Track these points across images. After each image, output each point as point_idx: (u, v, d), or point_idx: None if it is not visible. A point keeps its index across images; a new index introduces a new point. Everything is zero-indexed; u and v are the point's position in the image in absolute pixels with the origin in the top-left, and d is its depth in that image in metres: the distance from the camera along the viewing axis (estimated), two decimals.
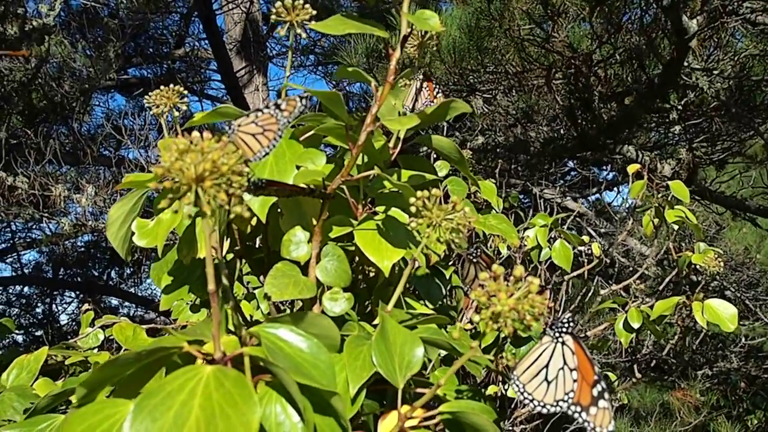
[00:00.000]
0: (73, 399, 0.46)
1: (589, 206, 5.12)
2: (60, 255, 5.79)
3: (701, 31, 2.24)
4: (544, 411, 0.52)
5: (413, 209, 0.55)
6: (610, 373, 1.72)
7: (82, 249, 5.96)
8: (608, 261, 3.00)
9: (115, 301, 6.18)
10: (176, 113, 0.72)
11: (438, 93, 0.95)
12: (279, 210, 0.74)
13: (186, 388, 0.38)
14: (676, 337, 1.49)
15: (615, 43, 2.52)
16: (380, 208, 0.75)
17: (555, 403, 0.52)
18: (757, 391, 4.94)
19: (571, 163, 4.76)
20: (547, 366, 0.52)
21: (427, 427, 0.52)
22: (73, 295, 6.24)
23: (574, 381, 0.52)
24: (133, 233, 0.85)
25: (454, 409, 0.51)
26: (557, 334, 0.53)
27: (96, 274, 6.14)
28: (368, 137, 0.66)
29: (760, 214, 2.81)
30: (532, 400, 0.52)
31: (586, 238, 1.56)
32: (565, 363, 0.52)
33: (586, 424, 0.52)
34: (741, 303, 4.52)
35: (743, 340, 5.17)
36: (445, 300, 1.32)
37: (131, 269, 6.11)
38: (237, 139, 0.56)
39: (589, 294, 1.63)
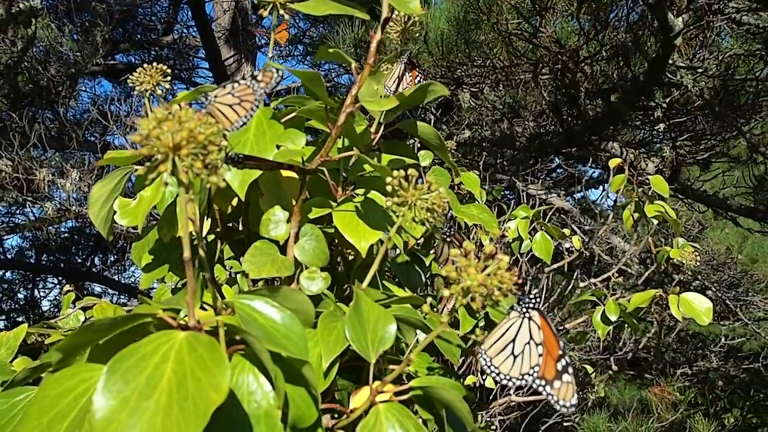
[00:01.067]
0: (47, 357, 0.47)
1: (574, 204, 5.15)
2: (43, 240, 5.75)
3: (687, 29, 2.26)
4: (510, 384, 0.53)
5: (389, 188, 0.56)
6: (588, 366, 1.74)
7: (66, 235, 5.93)
8: (590, 257, 3.03)
9: (98, 288, 6.14)
10: (159, 92, 0.72)
11: (420, 81, 0.96)
12: (260, 191, 0.75)
13: (159, 351, 0.39)
14: (653, 330, 1.51)
15: (602, 39, 2.54)
16: (360, 191, 0.76)
17: (520, 377, 0.53)
18: (734, 390, 5.00)
19: (557, 160, 4.78)
20: (513, 340, 0.53)
21: (400, 402, 0.53)
22: (55, 281, 6.21)
23: (540, 355, 0.53)
24: (114, 212, 0.85)
25: (424, 384, 0.52)
26: (525, 310, 0.54)
27: (79, 260, 6.11)
28: (348, 118, 0.66)
29: (742, 214, 2.84)
30: (498, 374, 0.53)
31: (567, 231, 1.58)
32: (531, 338, 0.54)
33: (550, 397, 0.53)
34: (722, 303, 4.57)
35: (723, 340, 5.22)
36: (426, 288, 1.33)
37: (115, 256, 6.09)
38: (214, 109, 0.57)
39: (569, 287, 1.65)
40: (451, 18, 2.74)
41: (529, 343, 0.53)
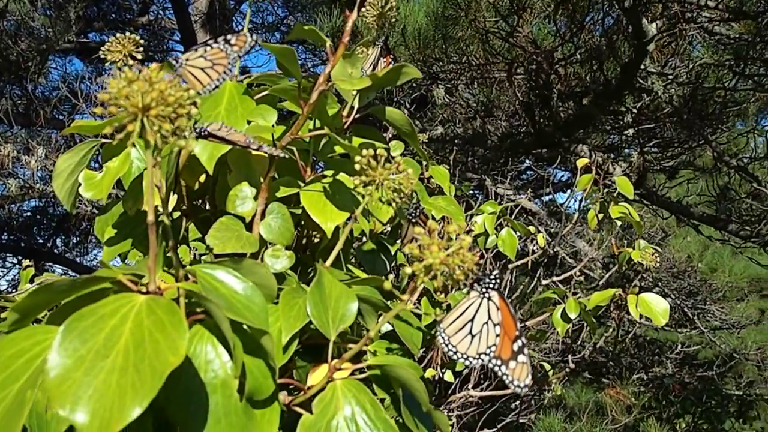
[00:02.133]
0: (3, 326, 0.46)
1: (542, 206, 5.20)
2: (4, 218, 5.64)
3: (660, 36, 2.29)
4: (467, 363, 0.54)
5: (357, 167, 0.56)
6: (546, 365, 1.76)
7: (28, 214, 5.82)
8: (554, 258, 3.06)
9: (59, 270, 6.04)
10: (131, 62, 0.71)
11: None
12: (228, 167, 0.75)
13: (118, 313, 0.39)
14: (611, 330, 1.53)
15: (577, 42, 2.56)
16: (329, 173, 0.76)
17: (477, 356, 0.54)
18: (687, 395, 5.09)
19: (527, 162, 4.82)
20: (472, 320, 0.54)
21: (357, 380, 0.54)
22: (15, 260, 6.09)
23: (497, 336, 0.54)
24: (79, 185, 0.84)
25: (381, 362, 0.52)
26: (484, 290, 0.55)
27: (41, 240, 6.01)
28: (320, 98, 0.66)
29: (704, 222, 2.90)
30: (455, 352, 0.54)
31: (532, 228, 1.59)
32: (489, 318, 0.54)
33: (505, 377, 0.54)
34: (680, 311, 4.65)
35: (679, 347, 5.32)
36: (391, 277, 1.34)
37: (78, 238, 5.99)
38: (185, 72, 0.56)
39: (532, 286, 1.67)
40: (430, 13, 2.74)
41: (487, 323, 0.54)
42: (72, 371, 0.36)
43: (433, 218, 1.61)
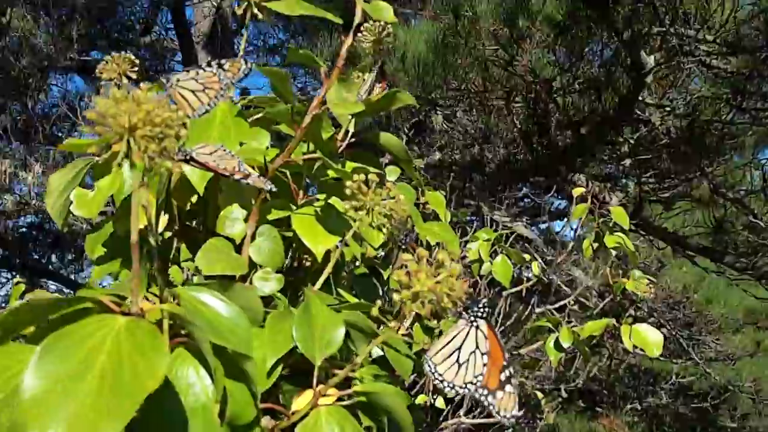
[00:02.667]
0: None
1: (539, 234, 5.19)
2: (0, 234, 5.62)
3: (658, 68, 2.31)
4: (453, 392, 0.53)
5: (348, 192, 0.56)
6: (539, 393, 1.75)
7: (24, 229, 5.80)
8: (548, 285, 3.05)
9: (53, 286, 6.00)
10: (125, 81, 0.71)
11: None
12: (220, 188, 0.74)
13: (97, 334, 0.38)
14: (604, 360, 1.52)
15: (575, 72, 2.58)
16: (321, 196, 0.76)
17: (464, 386, 0.53)
18: (682, 427, 5.06)
19: (524, 189, 4.82)
20: (459, 348, 0.53)
21: (342, 407, 0.53)
22: (9, 276, 6.06)
23: (484, 365, 0.53)
24: (71, 203, 0.84)
25: (368, 389, 0.51)
26: (472, 318, 0.54)
27: (36, 256, 5.99)
28: (314, 122, 0.66)
29: (700, 253, 2.90)
30: (442, 381, 0.53)
31: (527, 256, 1.59)
32: (477, 347, 0.53)
33: (491, 407, 0.53)
34: (676, 341, 4.63)
35: (674, 377, 5.30)
36: (384, 302, 1.33)
37: (73, 255, 5.98)
38: (175, 94, 0.56)
39: (526, 313, 1.66)
40: (430, 40, 2.76)
41: (474, 351, 0.53)
42: (47, 393, 0.35)
43: (425, 244, 1.61)
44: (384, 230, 0.56)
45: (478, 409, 1.89)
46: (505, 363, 0.54)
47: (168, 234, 0.88)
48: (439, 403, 1.59)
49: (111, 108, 0.38)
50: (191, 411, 0.44)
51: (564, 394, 1.64)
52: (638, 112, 2.40)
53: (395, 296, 0.46)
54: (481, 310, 0.55)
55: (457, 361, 0.53)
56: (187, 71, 0.58)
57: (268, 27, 4.65)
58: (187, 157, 0.58)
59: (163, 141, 0.40)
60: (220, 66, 0.59)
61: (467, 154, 3.57)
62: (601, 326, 1.31)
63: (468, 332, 0.54)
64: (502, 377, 0.53)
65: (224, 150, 0.60)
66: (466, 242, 1.55)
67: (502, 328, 1.66)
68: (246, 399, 0.45)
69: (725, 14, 2.02)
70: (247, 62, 0.60)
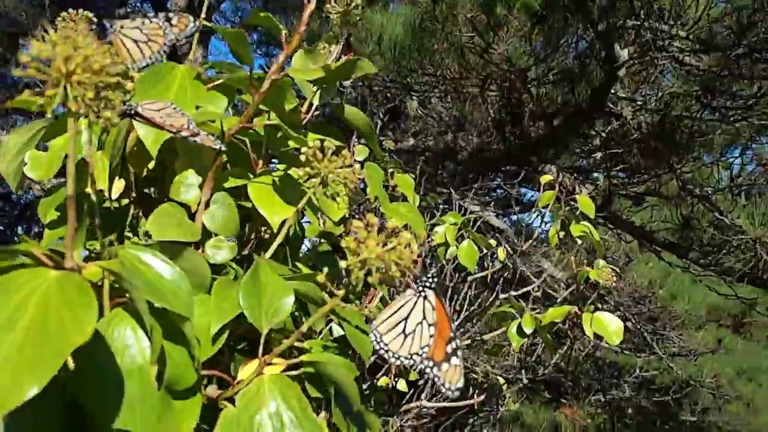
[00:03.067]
0: None
1: (510, 225, 5.21)
2: None
3: (632, 62, 2.31)
4: (398, 362, 0.52)
5: (303, 158, 0.55)
6: (500, 379, 1.75)
7: None
8: (515, 274, 3.06)
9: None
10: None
11: None
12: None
13: (27, 286, 0.37)
14: (565, 348, 1.53)
15: (550, 63, 2.58)
16: (281, 167, 0.74)
17: (409, 356, 0.52)
18: (643, 420, 5.14)
19: (497, 181, 4.83)
20: (406, 319, 0.52)
21: (289, 377, 0.52)
22: None
23: (431, 336, 0.52)
24: (25, 164, 0.81)
25: (314, 359, 0.50)
26: (421, 289, 0.54)
27: (2, 228, 5.88)
28: (273, 87, 0.65)
29: (666, 248, 2.92)
30: (387, 351, 0.52)
31: (493, 242, 1.59)
32: (424, 317, 0.53)
33: (436, 379, 0.52)
34: (640, 336, 4.69)
35: (638, 371, 5.37)
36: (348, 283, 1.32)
37: (40, 228, 5.88)
38: (117, 41, 0.54)
39: (491, 299, 1.66)
40: (407, 24, 2.74)
41: (421, 322, 0.52)
42: None
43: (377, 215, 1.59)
44: (339, 200, 0.55)
45: (438, 394, 1.89)
46: (451, 335, 0.53)
47: (125, 201, 0.86)
48: (401, 385, 1.59)
49: (47, 51, 0.36)
50: (127, 372, 0.42)
51: (526, 381, 1.65)
52: (610, 105, 2.41)
53: (342, 263, 0.45)
54: (430, 280, 0.54)
55: (404, 331, 0.52)
56: (133, 19, 0.56)
57: (247, 3, 4.59)
58: (131, 112, 0.56)
59: (103, 90, 0.38)
60: (167, 20, 0.57)
61: (440, 141, 3.56)
62: (562, 313, 1.31)
63: (415, 303, 0.53)
64: (449, 349, 0.52)
65: (175, 108, 0.58)
66: (434, 225, 1.55)
67: (467, 314, 1.66)
68: (185, 362, 0.44)
69: (699, 11, 2.03)
70: (194, 20, 0.58)
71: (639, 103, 2.38)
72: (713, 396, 5.06)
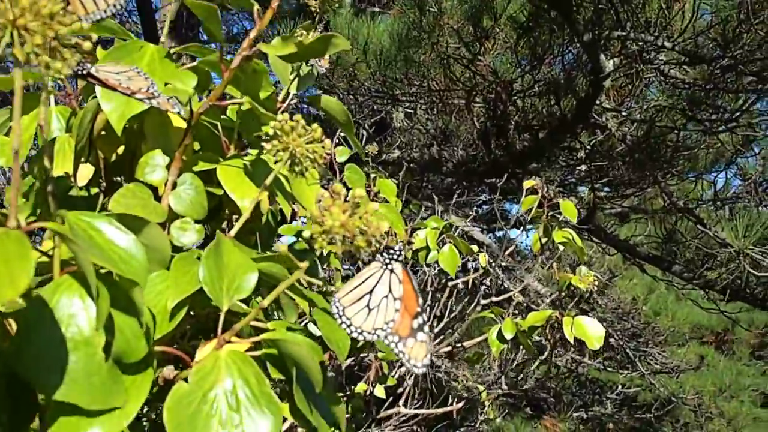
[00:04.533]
0: None
1: (495, 240, 5.20)
2: None
3: (617, 74, 2.32)
4: (360, 338, 0.50)
5: (270, 131, 0.52)
6: (480, 386, 1.73)
7: None
8: (499, 289, 3.05)
9: None
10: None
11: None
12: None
13: None
14: (545, 355, 1.51)
15: (536, 75, 2.58)
16: (253, 152, 0.72)
17: (373, 331, 0.50)
18: None
19: (484, 197, 4.83)
20: (371, 292, 0.50)
21: (252, 357, 0.49)
22: None
23: (397, 311, 0.50)
24: None
25: (276, 337, 0.48)
26: (388, 261, 0.51)
27: None
28: (249, 71, 0.63)
29: (649, 262, 2.92)
30: (349, 326, 0.50)
31: (475, 247, 1.57)
32: (390, 291, 0.50)
33: (401, 355, 0.50)
34: (623, 352, 4.69)
35: (620, 388, 5.36)
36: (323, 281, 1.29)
37: None
38: None
39: (473, 305, 1.64)
40: (393, 34, 2.74)
41: (387, 296, 0.50)
42: None
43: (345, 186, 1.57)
44: (308, 175, 0.52)
45: (421, 402, 1.86)
46: (418, 310, 0.51)
47: (95, 190, 0.84)
48: (378, 391, 1.56)
49: None
50: (73, 343, 0.40)
51: (505, 389, 1.63)
52: (595, 117, 2.41)
53: (305, 233, 0.43)
54: (398, 252, 0.52)
55: (368, 305, 0.49)
56: None
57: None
58: (84, 71, 0.53)
59: (54, 40, 0.36)
60: None
61: (426, 154, 3.56)
62: (543, 317, 1.29)
63: (382, 275, 0.51)
64: (415, 325, 0.50)
65: (139, 73, 0.56)
66: (414, 230, 1.53)
67: (447, 320, 1.64)
68: (136, 333, 0.41)
69: (684, 22, 2.03)
70: None
71: (624, 114, 2.38)
72: (694, 413, 5.05)
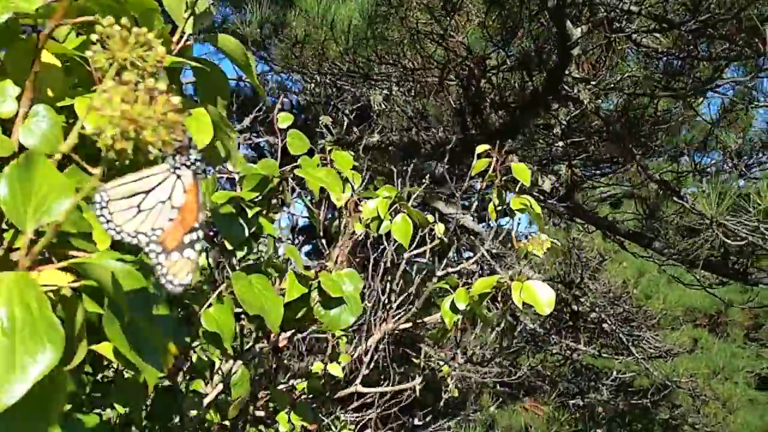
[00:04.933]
0: None
1: (488, 229, 5.13)
2: None
3: (589, 45, 2.26)
4: (117, 237, 0.44)
5: (96, 37, 0.46)
6: (445, 367, 1.67)
7: None
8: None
9: None
10: None
11: None
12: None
13: None
14: (500, 326, 1.45)
15: (508, 49, 2.52)
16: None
17: (134, 234, 0.44)
18: (614, 418, 5.09)
19: (477, 186, 4.77)
20: (147, 193, 0.44)
21: (72, 291, 0.44)
22: None
23: (170, 220, 0.44)
24: None
25: (84, 261, 0.42)
26: (178, 165, 0.45)
27: None
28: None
29: (630, 239, 2.86)
30: (108, 221, 0.43)
31: (430, 217, 1.51)
32: (170, 198, 0.44)
33: (160, 267, 0.44)
34: (617, 337, 4.63)
35: (615, 374, 5.31)
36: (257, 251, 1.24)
37: None
38: None
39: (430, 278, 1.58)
40: (363, 10, 2.68)
41: (165, 202, 0.44)
42: None
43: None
44: (141, 85, 0.46)
45: (385, 382, 1.81)
46: (196, 225, 0.45)
47: None
48: (334, 370, 1.50)
49: None
50: None
51: (478, 375, 1.57)
52: (567, 89, 2.35)
53: (87, 129, 0.37)
54: (194, 161, 0.46)
55: (138, 206, 0.43)
56: None
57: None
58: None
59: None
60: None
61: (405, 137, 3.50)
62: (491, 283, 1.23)
63: (166, 179, 0.45)
64: (186, 240, 0.44)
65: None
66: (363, 199, 1.47)
67: (405, 295, 1.58)
68: None
69: None
70: None
71: (595, 85, 2.32)
72: (691, 397, 4.99)
